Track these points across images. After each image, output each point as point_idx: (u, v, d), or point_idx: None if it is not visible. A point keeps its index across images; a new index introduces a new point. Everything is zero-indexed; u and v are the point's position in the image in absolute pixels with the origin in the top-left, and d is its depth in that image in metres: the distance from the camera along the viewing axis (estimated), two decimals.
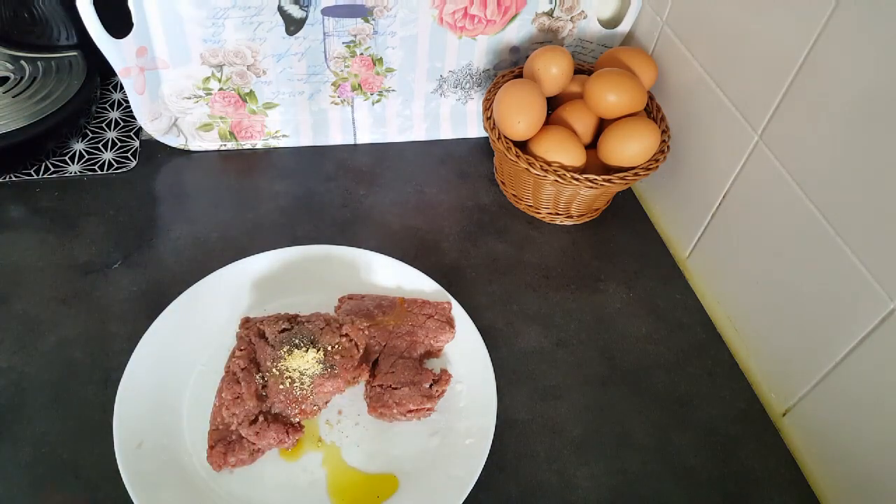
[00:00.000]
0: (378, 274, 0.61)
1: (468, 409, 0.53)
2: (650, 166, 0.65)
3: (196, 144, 0.74)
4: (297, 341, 0.51)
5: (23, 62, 0.73)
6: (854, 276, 0.48)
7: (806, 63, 0.51)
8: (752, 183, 0.59)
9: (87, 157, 0.71)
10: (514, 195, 0.73)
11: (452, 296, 0.60)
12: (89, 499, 0.48)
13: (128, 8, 0.63)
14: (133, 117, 0.74)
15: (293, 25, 0.68)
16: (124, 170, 0.70)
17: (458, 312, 0.58)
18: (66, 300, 0.59)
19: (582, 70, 0.73)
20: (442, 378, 0.54)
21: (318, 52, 0.70)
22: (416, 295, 0.60)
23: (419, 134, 0.79)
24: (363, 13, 0.68)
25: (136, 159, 0.72)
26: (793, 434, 0.56)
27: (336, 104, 0.75)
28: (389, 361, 0.54)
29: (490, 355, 0.55)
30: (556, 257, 0.69)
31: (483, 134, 0.80)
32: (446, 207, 0.72)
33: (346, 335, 0.52)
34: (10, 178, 0.68)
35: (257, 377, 0.50)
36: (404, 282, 0.61)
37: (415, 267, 0.61)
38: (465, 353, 0.56)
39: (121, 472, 0.46)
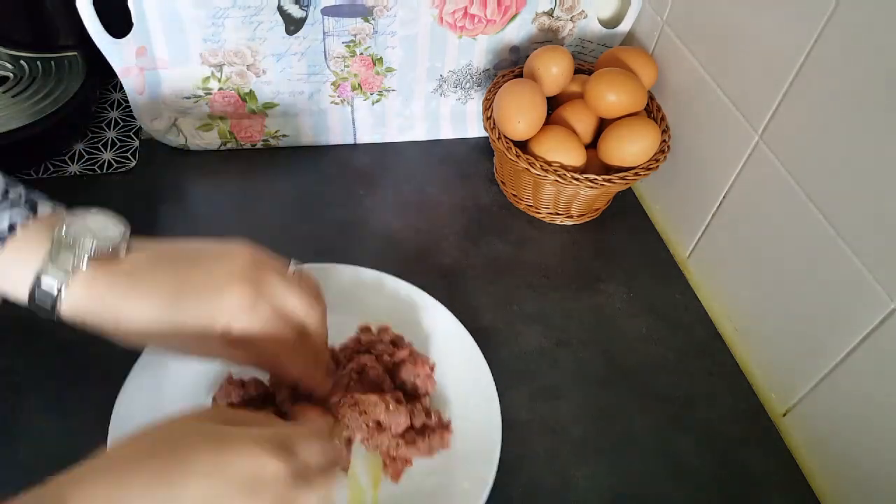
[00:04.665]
0: (392, 298, 0.59)
1: (469, 452, 0.50)
2: (650, 166, 0.65)
3: (196, 144, 0.74)
4: None
5: (23, 62, 0.73)
6: (854, 276, 0.48)
7: (806, 63, 0.51)
8: (752, 183, 0.59)
9: (86, 156, 0.71)
10: (514, 195, 0.73)
11: (453, 296, 0.60)
12: None
13: (128, 8, 0.63)
14: (133, 117, 0.74)
15: (293, 25, 0.68)
16: (124, 170, 0.70)
17: (473, 353, 0.55)
18: None
19: (582, 70, 0.73)
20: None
21: (317, 51, 0.70)
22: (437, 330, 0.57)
23: (419, 134, 0.79)
24: (363, 13, 0.68)
25: (135, 159, 0.72)
26: (793, 434, 0.56)
27: (336, 104, 0.75)
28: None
29: (490, 356, 0.55)
30: (556, 257, 0.69)
31: (483, 134, 0.80)
32: (446, 207, 0.72)
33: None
34: None
35: None
36: (423, 313, 0.58)
37: (415, 267, 0.61)
38: (473, 393, 0.54)
39: None
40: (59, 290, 0.40)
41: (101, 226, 0.42)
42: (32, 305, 0.41)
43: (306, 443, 0.36)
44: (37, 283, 0.40)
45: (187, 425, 0.35)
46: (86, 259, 0.41)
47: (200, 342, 0.42)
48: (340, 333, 0.55)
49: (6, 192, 0.42)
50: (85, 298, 0.41)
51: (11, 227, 0.40)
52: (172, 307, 0.42)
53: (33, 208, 0.42)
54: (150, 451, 0.32)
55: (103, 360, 0.55)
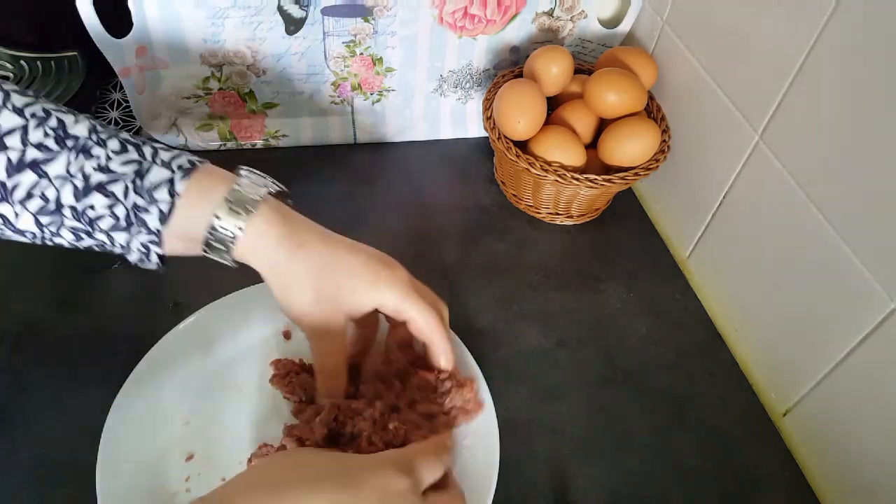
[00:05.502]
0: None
1: (467, 477, 0.47)
2: (650, 166, 0.65)
3: (196, 144, 0.74)
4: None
5: (23, 62, 0.73)
6: (854, 276, 0.48)
7: (806, 63, 0.51)
8: (752, 183, 0.59)
9: None
10: (514, 195, 0.73)
11: (453, 296, 0.60)
12: (89, 499, 0.48)
13: (128, 8, 0.63)
14: (133, 117, 0.74)
15: (293, 25, 0.68)
16: None
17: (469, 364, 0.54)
18: (66, 300, 0.59)
19: (582, 70, 0.73)
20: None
21: (317, 51, 0.70)
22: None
23: (419, 134, 0.79)
24: (363, 13, 0.68)
25: None
26: (793, 434, 0.56)
27: (336, 104, 0.75)
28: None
29: (490, 356, 0.55)
30: (556, 257, 0.69)
31: (483, 134, 0.80)
32: (446, 207, 0.72)
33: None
34: None
35: None
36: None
37: (415, 267, 0.61)
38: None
39: (97, 486, 0.45)
40: (247, 214, 0.42)
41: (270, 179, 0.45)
42: (212, 238, 0.42)
43: (425, 460, 0.39)
44: (218, 211, 0.41)
45: (317, 452, 0.41)
46: (267, 190, 0.43)
47: (338, 311, 0.45)
48: None
49: (168, 148, 0.44)
50: (267, 224, 0.42)
51: (192, 164, 0.42)
52: (347, 254, 0.45)
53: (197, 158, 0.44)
54: (291, 473, 0.36)
55: (104, 359, 0.55)
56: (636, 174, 0.64)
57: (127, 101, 0.72)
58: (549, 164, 0.64)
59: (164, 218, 0.41)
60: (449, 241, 0.69)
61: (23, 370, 0.54)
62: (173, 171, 0.41)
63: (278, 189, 0.46)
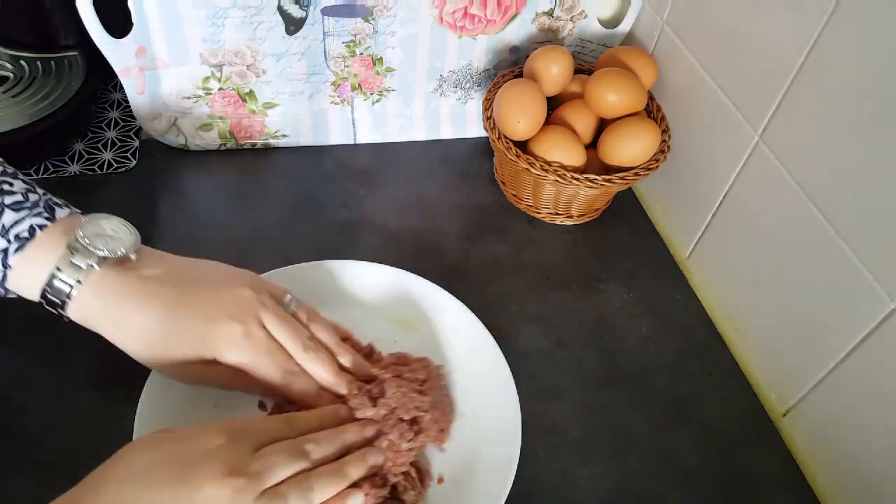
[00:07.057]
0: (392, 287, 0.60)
1: (488, 453, 0.51)
2: (650, 166, 0.65)
3: (196, 144, 0.74)
4: None
5: (23, 62, 0.73)
6: (854, 276, 0.48)
7: (806, 63, 0.51)
8: (752, 183, 0.59)
9: (86, 156, 0.71)
10: (514, 195, 0.73)
11: (453, 295, 0.60)
12: None
13: (128, 8, 0.63)
14: (133, 117, 0.74)
15: (293, 25, 0.68)
16: (124, 169, 0.70)
17: (496, 359, 0.55)
18: None
19: (582, 70, 0.73)
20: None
21: (317, 51, 0.70)
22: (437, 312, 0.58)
23: (419, 134, 0.79)
24: (363, 13, 0.68)
25: (135, 159, 0.72)
26: (793, 434, 0.56)
27: (336, 104, 0.75)
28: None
29: None
30: (556, 257, 0.69)
31: (483, 134, 0.80)
32: (446, 207, 0.72)
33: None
34: None
35: None
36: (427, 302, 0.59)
37: (415, 268, 0.61)
38: (493, 397, 0.53)
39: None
40: (71, 290, 0.43)
41: (114, 232, 0.45)
42: (45, 303, 0.44)
43: (276, 456, 0.40)
44: (49, 282, 0.43)
45: (166, 453, 0.40)
46: (97, 262, 0.43)
47: (191, 364, 0.45)
48: (363, 331, 0.56)
49: (26, 195, 0.44)
50: (93, 299, 0.43)
51: (31, 232, 0.43)
52: (170, 322, 0.44)
53: (51, 212, 0.44)
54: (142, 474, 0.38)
55: (103, 360, 0.55)
56: (636, 174, 0.64)
57: (127, 101, 0.72)
58: (549, 164, 0.64)
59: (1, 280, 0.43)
60: (449, 241, 0.69)
61: (23, 371, 0.54)
62: (9, 242, 0.42)
63: (123, 244, 0.45)
